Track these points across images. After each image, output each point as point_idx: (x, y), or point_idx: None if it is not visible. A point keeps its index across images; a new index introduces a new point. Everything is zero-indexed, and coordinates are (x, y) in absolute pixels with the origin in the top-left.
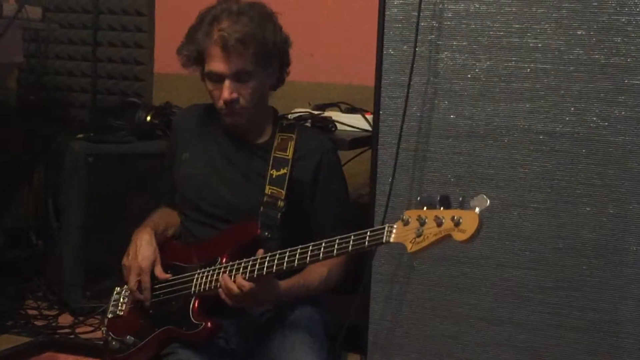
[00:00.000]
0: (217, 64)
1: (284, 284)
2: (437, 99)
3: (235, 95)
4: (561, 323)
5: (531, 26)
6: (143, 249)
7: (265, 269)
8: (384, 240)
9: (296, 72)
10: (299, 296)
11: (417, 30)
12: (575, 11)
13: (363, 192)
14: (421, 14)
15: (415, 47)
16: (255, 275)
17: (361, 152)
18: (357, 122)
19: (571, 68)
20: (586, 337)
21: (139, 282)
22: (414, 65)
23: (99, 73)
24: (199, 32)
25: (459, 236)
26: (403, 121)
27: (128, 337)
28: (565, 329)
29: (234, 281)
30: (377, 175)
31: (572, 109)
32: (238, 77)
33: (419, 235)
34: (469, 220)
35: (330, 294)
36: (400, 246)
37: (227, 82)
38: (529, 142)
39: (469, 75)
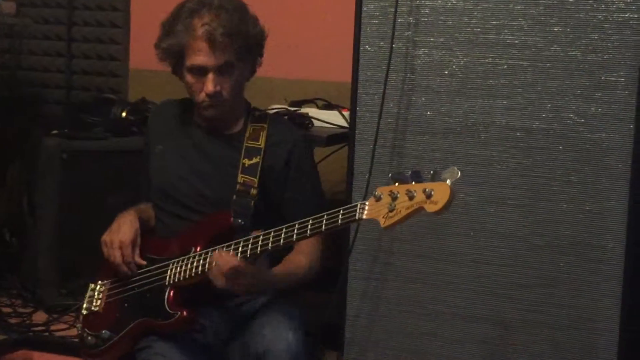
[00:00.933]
0: (201, 58)
1: (269, 271)
2: (414, 96)
3: (218, 88)
4: (538, 320)
5: (508, 23)
6: (125, 226)
7: (239, 253)
8: (357, 217)
9: (273, 69)
10: (283, 284)
11: (394, 26)
12: (552, 8)
13: (340, 188)
14: (398, 10)
15: (392, 43)
16: None
17: (338, 149)
18: (334, 118)
19: (548, 65)
20: (563, 334)
21: (122, 255)
22: (391, 62)
23: (74, 69)
24: (178, 26)
25: (431, 207)
26: (380, 118)
27: (104, 332)
28: (542, 326)
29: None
30: (354, 171)
31: (549, 105)
32: (221, 71)
33: (391, 210)
34: (441, 191)
35: (307, 291)
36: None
37: (211, 75)
38: (506, 138)
39: (446, 72)
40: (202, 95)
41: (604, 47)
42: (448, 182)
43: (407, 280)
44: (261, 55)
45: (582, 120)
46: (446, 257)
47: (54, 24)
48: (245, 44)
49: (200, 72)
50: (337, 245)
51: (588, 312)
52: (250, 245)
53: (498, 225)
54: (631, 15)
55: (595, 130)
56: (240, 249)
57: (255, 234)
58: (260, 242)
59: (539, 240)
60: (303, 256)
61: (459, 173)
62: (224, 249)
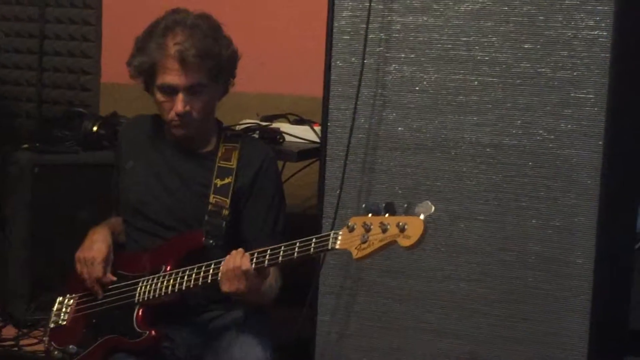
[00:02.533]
0: (172, 77)
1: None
2: (385, 111)
3: (188, 107)
4: (507, 335)
5: (478, 39)
6: (99, 243)
7: (210, 276)
8: (329, 247)
9: (244, 83)
10: (254, 301)
11: (365, 42)
12: (522, 25)
13: (311, 203)
14: (369, 27)
15: (363, 59)
16: (199, 283)
17: (309, 164)
18: (305, 133)
19: (518, 81)
20: (532, 349)
21: (96, 272)
22: (362, 78)
23: (45, 82)
24: (150, 44)
25: (404, 242)
26: (351, 133)
27: (71, 347)
28: (511, 341)
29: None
30: (325, 187)
31: (519, 122)
32: (192, 91)
33: (364, 242)
34: (414, 226)
35: (278, 306)
36: (346, 254)
37: (180, 95)
38: (476, 154)
39: (417, 88)
40: (172, 115)
41: (574, 64)
42: (422, 216)
43: (378, 296)
44: (234, 75)
45: (552, 137)
46: (417, 273)
47: (26, 37)
48: (217, 65)
49: (171, 91)
50: (308, 260)
51: (557, 327)
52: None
53: (468, 241)
54: (600, 33)
55: (564, 147)
56: (211, 272)
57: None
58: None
59: (509, 256)
60: (275, 279)
61: (433, 207)
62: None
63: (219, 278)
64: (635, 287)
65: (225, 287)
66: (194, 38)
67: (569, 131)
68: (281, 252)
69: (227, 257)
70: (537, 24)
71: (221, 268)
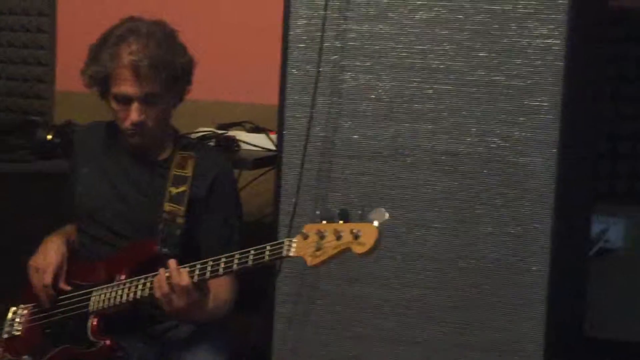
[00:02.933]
0: (126, 87)
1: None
2: (340, 119)
3: (143, 117)
4: (463, 342)
5: (434, 48)
6: (52, 251)
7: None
8: (283, 254)
9: (200, 91)
10: (208, 317)
11: (320, 50)
12: (477, 33)
13: (267, 211)
14: (325, 35)
15: (319, 67)
16: (147, 294)
17: (265, 172)
18: (261, 141)
19: (473, 89)
20: (488, 357)
21: (48, 281)
22: (318, 86)
23: None
24: (104, 53)
25: (358, 249)
26: (307, 141)
27: (25, 357)
28: (467, 348)
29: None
30: (281, 195)
31: (474, 129)
32: (146, 100)
33: (318, 249)
34: (368, 233)
35: (233, 314)
36: (301, 261)
37: (135, 105)
38: (432, 162)
39: (373, 96)
40: (127, 124)
41: (528, 72)
42: (375, 223)
43: (335, 304)
44: (189, 83)
45: (507, 144)
46: (373, 280)
47: None
48: (172, 74)
49: (125, 100)
50: (264, 268)
51: (513, 334)
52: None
53: (424, 248)
54: (554, 41)
55: (519, 154)
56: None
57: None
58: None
59: (464, 263)
60: (227, 292)
61: (387, 215)
62: (150, 278)
63: (156, 296)
64: (590, 293)
65: (167, 307)
66: (148, 47)
67: (524, 139)
68: (235, 260)
69: (160, 273)
70: (492, 32)
71: (155, 287)
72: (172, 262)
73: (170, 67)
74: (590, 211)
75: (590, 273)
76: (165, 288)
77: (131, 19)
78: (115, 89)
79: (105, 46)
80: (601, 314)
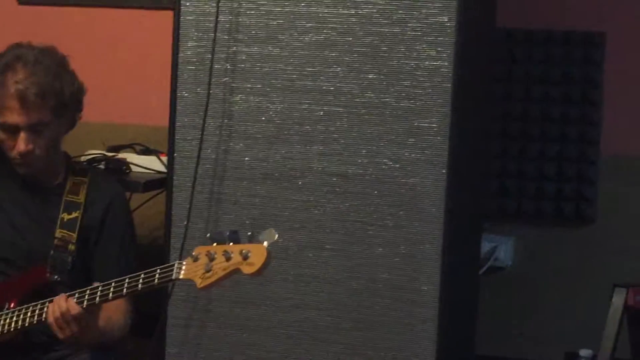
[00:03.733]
0: (13, 117)
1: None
2: (231, 141)
3: (31, 146)
4: None
5: (324, 69)
6: None
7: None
8: (173, 277)
9: (90, 113)
10: (101, 337)
11: (210, 72)
12: (366, 55)
13: (158, 233)
14: (215, 57)
15: (209, 89)
16: (43, 320)
17: (156, 195)
18: (152, 163)
19: (363, 111)
20: None
21: None
22: (208, 108)
23: None
24: None
25: (247, 269)
26: (198, 163)
27: None
28: None
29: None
30: (172, 218)
31: (365, 151)
32: (34, 129)
33: (208, 271)
34: (258, 253)
35: (128, 338)
36: (192, 284)
37: (22, 134)
38: (323, 184)
39: (263, 118)
40: (14, 153)
41: (417, 93)
42: (265, 244)
43: (227, 327)
44: (79, 110)
45: (397, 166)
46: (266, 302)
47: None
48: (60, 102)
49: (12, 130)
50: (156, 291)
51: (405, 354)
52: None
53: (316, 270)
54: (441, 63)
55: (409, 175)
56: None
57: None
58: (75, 299)
59: (357, 284)
60: (120, 314)
61: (277, 235)
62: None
63: (49, 323)
64: (481, 311)
65: (60, 335)
66: (35, 76)
67: (414, 160)
68: (125, 284)
69: (50, 305)
70: (381, 54)
71: (48, 317)
72: (61, 298)
73: (58, 95)
74: (480, 230)
75: (481, 291)
76: (56, 317)
77: (18, 45)
78: (2, 119)
79: None
80: (492, 332)
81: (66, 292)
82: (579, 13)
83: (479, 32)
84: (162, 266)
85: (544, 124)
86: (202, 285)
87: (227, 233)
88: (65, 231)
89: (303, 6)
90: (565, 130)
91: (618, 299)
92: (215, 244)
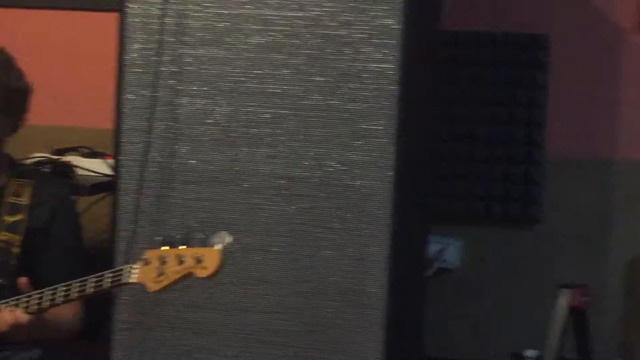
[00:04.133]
0: None
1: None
2: (178, 144)
3: None
4: None
5: (270, 72)
6: None
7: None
8: (124, 281)
9: (35, 116)
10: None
11: (156, 75)
12: (313, 58)
13: (104, 237)
14: (161, 59)
15: (155, 92)
16: None
17: (102, 197)
18: (98, 166)
19: (310, 114)
20: None
21: None
22: (155, 110)
23: None
24: None
25: (201, 273)
26: (144, 166)
27: None
28: None
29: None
30: (118, 221)
31: (312, 153)
32: None
33: (160, 274)
34: (211, 257)
35: (71, 341)
36: (140, 288)
37: None
38: (270, 186)
39: (210, 121)
40: None
41: (363, 96)
42: (218, 247)
43: (174, 330)
44: (25, 111)
45: (344, 168)
46: (213, 306)
47: None
48: (6, 97)
49: None
50: (102, 295)
51: (357, 356)
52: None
53: (264, 273)
54: (387, 66)
55: (356, 178)
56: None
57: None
58: (19, 305)
59: (305, 287)
60: (70, 315)
61: (229, 238)
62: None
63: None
64: (430, 313)
65: (15, 340)
66: None
67: (360, 162)
68: (76, 287)
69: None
70: (327, 56)
71: None
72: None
73: (5, 89)
74: (427, 232)
75: (429, 293)
76: (4, 330)
77: None
78: None
79: None
80: (440, 333)
81: (11, 296)
82: (525, 15)
83: (425, 35)
84: (113, 270)
85: (490, 126)
86: (154, 289)
87: (179, 237)
88: (8, 234)
89: (249, 8)
90: (512, 132)
91: (563, 300)
92: (167, 248)
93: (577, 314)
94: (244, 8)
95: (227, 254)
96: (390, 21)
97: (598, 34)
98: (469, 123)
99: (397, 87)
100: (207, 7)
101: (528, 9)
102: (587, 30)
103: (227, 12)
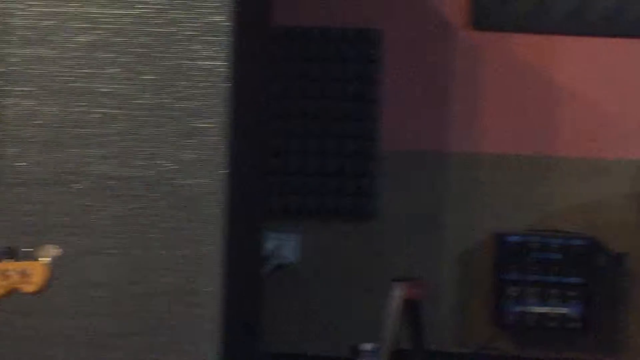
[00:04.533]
0: None
1: None
2: (5, 147)
3: None
4: None
5: (98, 71)
6: None
7: None
8: None
9: None
10: None
11: None
12: (142, 56)
13: None
14: None
15: None
16: None
17: None
18: None
19: (140, 113)
20: None
21: None
22: None
23: None
24: None
25: (27, 288)
26: None
27: None
28: None
29: None
30: None
31: (143, 153)
32: None
33: None
34: (38, 271)
35: None
36: None
37: None
38: (102, 187)
39: (38, 122)
40: None
41: (193, 94)
42: (45, 260)
43: (6, 337)
44: None
45: (176, 167)
46: (45, 311)
47: None
48: None
49: None
50: None
51: (193, 355)
52: None
53: (96, 275)
54: (218, 63)
55: (189, 176)
56: None
57: None
58: None
59: (139, 288)
60: None
61: (57, 251)
62: None
63: None
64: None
65: None
66: None
67: (193, 161)
68: None
69: None
70: (155, 54)
71: None
72: None
73: None
74: (261, 229)
75: (267, 289)
76: None
77: None
78: None
79: None
80: (280, 328)
81: None
82: (356, 10)
83: (256, 31)
84: None
85: (323, 121)
86: None
87: (3, 250)
88: None
89: (75, 6)
90: (345, 127)
91: (397, 293)
92: None
93: (411, 307)
94: (69, 6)
95: (55, 264)
96: (220, 18)
97: (429, 29)
98: (303, 118)
99: (228, 85)
100: (31, 5)
101: (360, 4)
102: (418, 26)
103: (51, 10)
